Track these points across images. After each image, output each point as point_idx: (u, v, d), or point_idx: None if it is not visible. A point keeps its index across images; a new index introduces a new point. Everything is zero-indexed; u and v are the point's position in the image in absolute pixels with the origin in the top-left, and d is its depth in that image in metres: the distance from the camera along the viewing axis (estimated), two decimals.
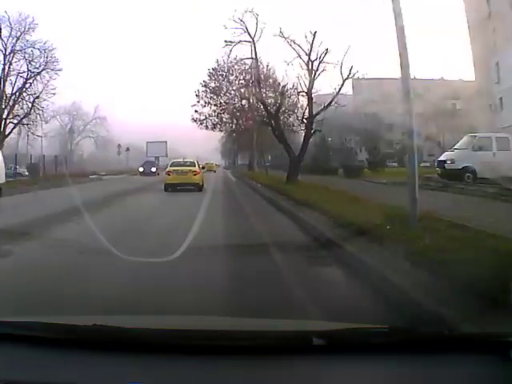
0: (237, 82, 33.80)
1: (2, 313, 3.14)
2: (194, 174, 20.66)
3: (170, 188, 19.94)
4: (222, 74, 33.73)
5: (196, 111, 35.34)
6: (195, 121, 34.90)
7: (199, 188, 20.12)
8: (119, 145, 54.18)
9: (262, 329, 2.07)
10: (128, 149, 48.46)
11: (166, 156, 61.89)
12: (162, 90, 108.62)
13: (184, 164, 21.95)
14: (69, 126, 65.71)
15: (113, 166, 47.03)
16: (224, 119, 35.87)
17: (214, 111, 35.14)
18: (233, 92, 34.65)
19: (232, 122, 35.83)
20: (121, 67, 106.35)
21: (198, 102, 34.98)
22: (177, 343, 1.82)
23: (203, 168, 25.76)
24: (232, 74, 33.59)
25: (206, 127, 35.67)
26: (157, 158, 62.23)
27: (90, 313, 3.23)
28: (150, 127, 66.20)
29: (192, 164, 21.89)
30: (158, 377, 1.67)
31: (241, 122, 34.12)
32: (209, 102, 34.34)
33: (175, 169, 21.16)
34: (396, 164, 39.89)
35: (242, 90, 33.71)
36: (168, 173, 20.99)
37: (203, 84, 35.02)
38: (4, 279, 5.01)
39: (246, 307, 3.87)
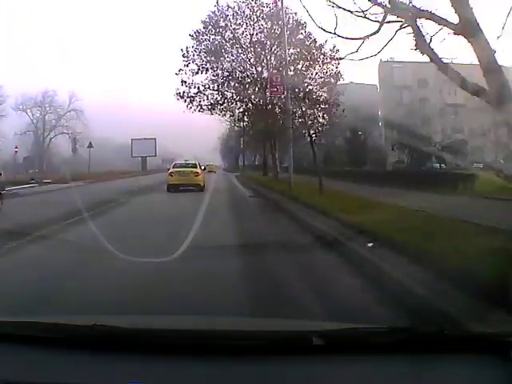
0: (249, 34, 22.03)
1: (1, 313, 3.14)
2: (196, 175, 21.36)
3: (173, 189, 20.46)
4: (224, 25, 22.33)
5: (184, 82, 22.86)
6: (182, 97, 22.94)
7: (200, 188, 20.65)
8: (74, 138, 44.54)
9: (262, 329, 2.08)
10: (90, 145, 37.86)
11: (155, 156, 54.72)
12: (152, 79, 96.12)
13: (186, 165, 22.62)
14: (40, 121, 55.15)
15: (85, 167, 38.82)
16: (228, 94, 23.31)
17: (213, 81, 22.92)
18: (241, 54, 22.64)
19: (242, 99, 23.17)
20: (100, 50, 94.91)
21: (187, 65, 22.75)
22: (177, 343, 1.82)
23: (204, 169, 26.28)
24: (241, 25, 22.16)
25: (200, 108, 23.35)
26: (144, 158, 53.68)
27: (90, 313, 3.23)
28: (137, 122, 57.22)
29: (194, 165, 22.57)
30: (157, 377, 1.67)
31: (255, 95, 22.42)
32: (204, 68, 22.61)
33: (177, 170, 21.83)
34: (442, 165, 29.51)
35: (259, 49, 22.29)
36: (170, 174, 21.77)
37: (195, 36, 22.75)
38: (4, 279, 5.02)
39: (247, 307, 3.87)
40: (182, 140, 51.48)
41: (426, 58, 8.27)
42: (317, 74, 23.17)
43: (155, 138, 53.66)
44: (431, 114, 39.95)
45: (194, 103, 23.86)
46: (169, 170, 22.74)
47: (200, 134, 52.38)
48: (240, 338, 1.88)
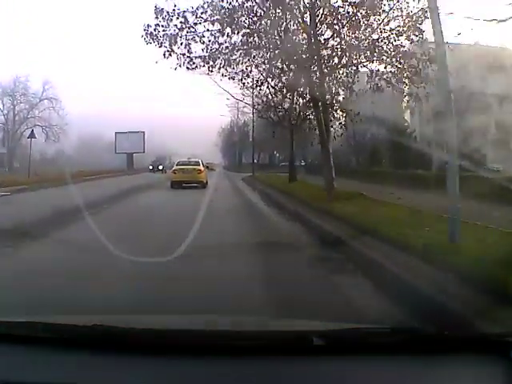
0: None
1: (1, 313, 3.14)
2: (199, 173, 22.43)
3: (176, 185, 21.37)
4: None
5: (159, 11, 12.86)
6: (155, 39, 13.03)
7: (203, 185, 21.64)
8: (4, 129, 35.63)
9: (262, 329, 2.08)
10: (32, 134, 27.87)
11: (143, 152, 47.89)
12: (143, 63, 76.66)
13: (189, 163, 23.72)
14: (12, 112, 46.41)
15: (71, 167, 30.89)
16: (239, 33, 13.04)
17: (212, 9, 12.74)
18: None
19: (269, 44, 13.36)
20: (82, 30, 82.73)
21: None
22: (177, 343, 1.82)
23: (207, 167, 27.04)
24: None
25: (189, 60, 13.18)
26: (130, 154, 46.34)
27: (90, 313, 3.23)
28: (125, 115, 51.08)
29: (197, 163, 23.66)
30: (158, 377, 1.67)
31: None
32: None
33: (181, 167, 22.97)
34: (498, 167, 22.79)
35: None
36: (174, 171, 22.88)
37: None
38: (4, 279, 5.02)
39: (247, 307, 3.87)
40: (179, 137, 47.12)
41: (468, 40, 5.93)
42: (390, 10, 12.90)
43: (144, 132, 47.35)
44: (475, 106, 30.93)
45: (179, 50, 13.08)
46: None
47: (198, 131, 47.37)
48: (240, 337, 1.89)
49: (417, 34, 13.01)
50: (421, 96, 14.08)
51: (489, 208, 9.20)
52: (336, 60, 13.81)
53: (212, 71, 13.70)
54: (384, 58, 13.23)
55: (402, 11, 13.08)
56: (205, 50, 13.18)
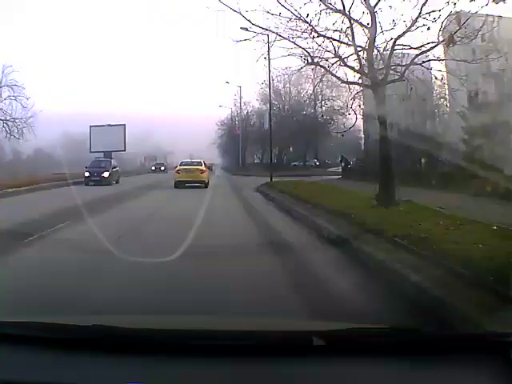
0: None
1: (2, 313, 3.14)
2: (201, 173, 23.57)
3: (180, 185, 22.28)
4: None
5: None
6: None
7: (205, 185, 22.68)
8: None
9: (263, 329, 2.08)
10: None
11: (124, 150, 38.76)
12: (126, 38, 71.33)
13: (192, 163, 24.93)
14: None
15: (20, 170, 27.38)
16: None
17: None
18: None
19: None
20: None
21: None
22: (177, 343, 1.82)
23: (209, 168, 27.88)
24: None
25: None
26: (108, 153, 33.45)
27: (89, 313, 3.23)
28: (107, 109, 44.62)
29: (199, 163, 24.87)
30: (157, 377, 1.67)
31: None
32: None
33: (184, 168, 24.06)
34: None
35: None
36: (178, 171, 23.61)
37: None
38: (4, 279, 5.02)
39: (247, 307, 3.88)
40: (174, 135, 43.24)
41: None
42: None
43: (124, 124, 37.38)
44: None
45: None
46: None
47: (194, 127, 42.42)
48: (240, 337, 1.89)
49: None
50: None
51: None
52: None
53: None
54: None
55: None
56: None
